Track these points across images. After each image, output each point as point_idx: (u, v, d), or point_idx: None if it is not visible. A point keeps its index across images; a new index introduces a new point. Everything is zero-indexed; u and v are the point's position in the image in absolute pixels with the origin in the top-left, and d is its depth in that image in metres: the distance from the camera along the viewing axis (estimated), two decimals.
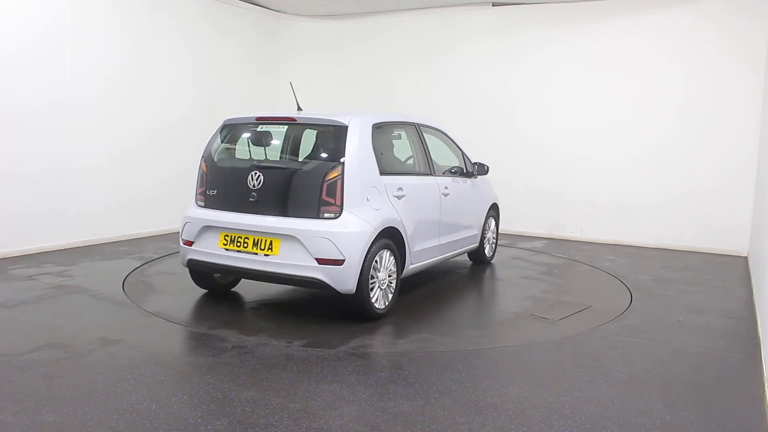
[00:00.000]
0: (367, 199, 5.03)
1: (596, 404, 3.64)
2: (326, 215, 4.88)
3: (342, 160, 4.95)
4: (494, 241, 7.75)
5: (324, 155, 5.24)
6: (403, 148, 6.15)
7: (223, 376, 3.89)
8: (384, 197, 5.21)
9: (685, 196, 8.80)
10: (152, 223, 8.65)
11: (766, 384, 3.97)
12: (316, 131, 5.48)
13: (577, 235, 9.54)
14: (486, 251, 7.52)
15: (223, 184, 5.33)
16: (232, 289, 6.02)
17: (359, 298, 4.95)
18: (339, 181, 4.88)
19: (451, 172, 6.59)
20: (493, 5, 9.87)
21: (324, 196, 4.89)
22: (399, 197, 5.37)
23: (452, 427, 3.29)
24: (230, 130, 5.62)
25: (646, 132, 8.99)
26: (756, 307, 5.81)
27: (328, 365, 4.17)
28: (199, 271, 5.63)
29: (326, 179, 4.90)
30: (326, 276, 4.82)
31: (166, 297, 5.85)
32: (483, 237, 7.35)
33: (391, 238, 5.24)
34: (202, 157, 5.53)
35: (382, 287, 5.17)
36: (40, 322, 4.90)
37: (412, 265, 5.63)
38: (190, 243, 5.35)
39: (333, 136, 5.16)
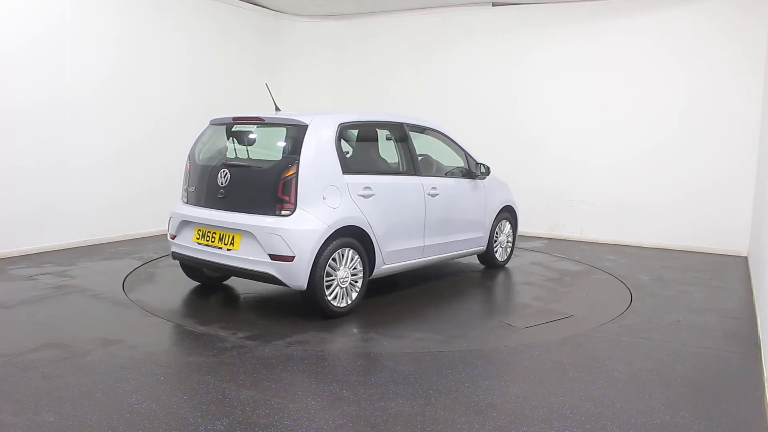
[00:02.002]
0: (324, 198, 5.08)
1: (596, 404, 3.64)
2: (282, 212, 4.98)
3: (298, 158, 5.02)
4: (508, 244, 7.48)
5: (284, 154, 5.34)
6: (383, 148, 6.14)
7: (223, 376, 3.89)
8: (345, 196, 5.22)
9: (685, 196, 8.79)
10: (152, 223, 8.64)
11: (766, 384, 3.97)
12: (281, 131, 5.59)
13: (577, 235, 9.54)
14: (497, 255, 7.26)
15: (199, 182, 5.53)
16: (228, 284, 6.16)
17: (312, 295, 4.99)
18: (294, 179, 4.97)
19: (451, 173, 6.56)
20: (493, 5, 9.87)
21: (280, 194, 4.99)
22: (366, 196, 5.37)
23: (452, 427, 3.28)
24: (212, 130, 5.81)
25: (646, 132, 8.99)
26: (756, 307, 5.80)
27: (328, 365, 4.17)
28: (188, 265, 5.85)
29: (282, 177, 5.00)
30: (277, 271, 4.92)
31: (166, 297, 5.85)
32: (494, 240, 7.17)
33: (355, 237, 5.26)
34: (188, 155, 5.75)
35: (342, 285, 5.17)
36: (40, 322, 4.90)
37: (385, 266, 5.60)
38: (174, 237, 5.61)
39: (294, 136, 5.24)
